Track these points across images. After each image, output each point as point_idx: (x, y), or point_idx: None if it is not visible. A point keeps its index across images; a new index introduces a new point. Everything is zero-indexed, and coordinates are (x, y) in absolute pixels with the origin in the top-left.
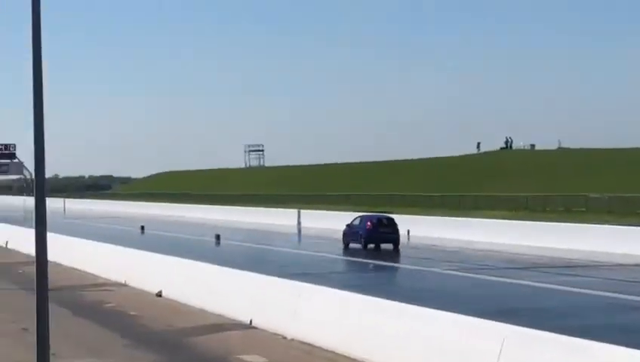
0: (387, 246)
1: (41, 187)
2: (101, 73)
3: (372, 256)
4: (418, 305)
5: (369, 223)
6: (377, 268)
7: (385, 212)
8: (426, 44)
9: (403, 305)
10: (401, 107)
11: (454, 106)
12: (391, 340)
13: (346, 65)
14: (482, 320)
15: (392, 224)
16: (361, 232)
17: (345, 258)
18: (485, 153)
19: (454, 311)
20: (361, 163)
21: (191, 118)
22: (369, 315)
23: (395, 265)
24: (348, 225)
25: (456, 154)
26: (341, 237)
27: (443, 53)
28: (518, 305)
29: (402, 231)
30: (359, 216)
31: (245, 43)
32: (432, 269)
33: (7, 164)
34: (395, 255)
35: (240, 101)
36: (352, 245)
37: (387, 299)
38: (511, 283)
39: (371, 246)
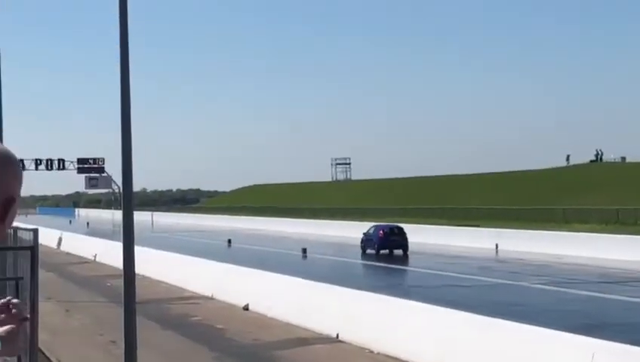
0: (397, 252)
1: (129, 201)
2: (189, 88)
3: (459, 270)
4: (507, 319)
5: (381, 232)
6: (465, 281)
7: (472, 225)
8: (515, 56)
9: (494, 319)
10: (489, 120)
11: (544, 119)
12: (480, 355)
13: (433, 79)
14: (572, 334)
15: (402, 233)
16: (374, 240)
17: (434, 272)
18: (575, 166)
19: (543, 326)
20: (448, 176)
21: (278, 132)
22: (457, 330)
23: (483, 278)
24: (365, 234)
25: (546, 167)
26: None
27: (533, 66)
28: (609, 320)
29: (487, 245)
30: (374, 226)
31: (333, 56)
32: (520, 283)
33: (96, 178)
34: (483, 270)
35: (327, 114)
36: (368, 251)
37: (475, 313)
38: (601, 297)
39: (384, 251)
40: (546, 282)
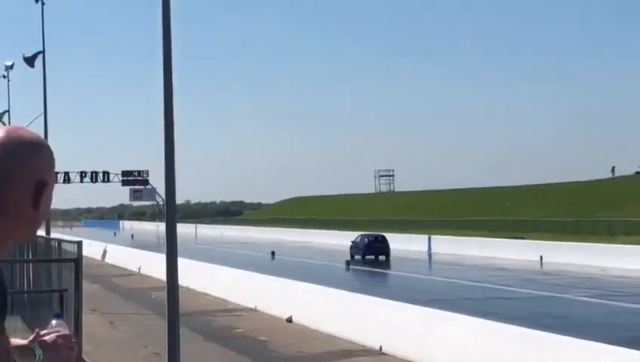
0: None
1: (172, 214)
2: (233, 99)
3: (504, 282)
4: (552, 332)
5: (366, 240)
6: (509, 294)
7: (517, 237)
8: (558, 66)
9: (538, 332)
10: (533, 130)
11: (589, 130)
12: None
13: (475, 91)
14: (617, 347)
15: (384, 240)
16: (360, 246)
17: (477, 284)
18: (620, 177)
19: (588, 339)
20: (492, 188)
21: (321, 144)
22: (501, 342)
23: (528, 291)
24: (353, 242)
25: (591, 178)
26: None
27: (578, 77)
28: None
29: (532, 257)
30: (360, 235)
31: (376, 69)
32: (565, 296)
33: (140, 190)
34: (528, 282)
35: (371, 126)
36: (355, 256)
37: (519, 325)
38: None
39: (370, 257)
40: (591, 294)
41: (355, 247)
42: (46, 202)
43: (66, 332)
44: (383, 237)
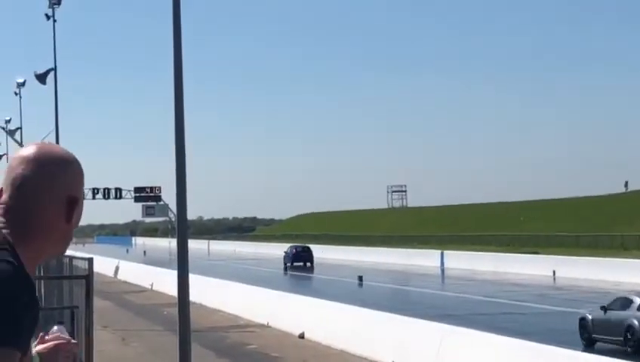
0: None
1: (184, 231)
2: (245, 118)
3: (517, 298)
4: (564, 347)
5: (294, 250)
6: (522, 309)
7: (531, 253)
8: (572, 77)
9: (550, 347)
10: (546, 146)
11: (601, 145)
12: None
13: (487, 105)
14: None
15: (308, 250)
16: (290, 256)
17: (490, 299)
18: (634, 192)
19: (601, 354)
20: (505, 203)
21: (334, 160)
22: (516, 358)
23: (541, 306)
24: (285, 252)
25: (604, 193)
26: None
27: (589, 90)
28: None
29: (545, 272)
30: (290, 246)
31: (388, 85)
32: (578, 310)
33: (153, 207)
34: (541, 298)
35: (383, 142)
36: (287, 264)
37: (531, 340)
38: None
39: (298, 264)
40: None
41: (286, 256)
42: (77, 216)
43: (66, 337)
44: (307, 248)
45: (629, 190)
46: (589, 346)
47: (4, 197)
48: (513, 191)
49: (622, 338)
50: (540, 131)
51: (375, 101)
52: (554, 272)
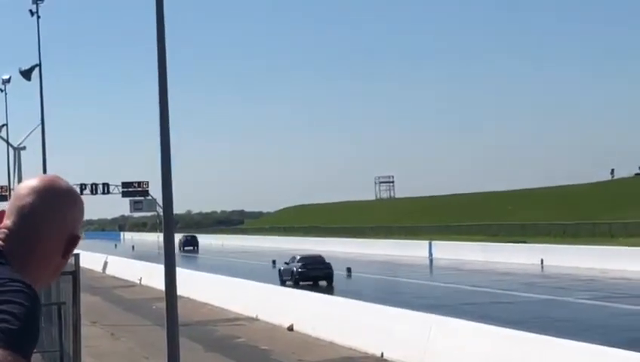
0: None
1: (170, 226)
2: (232, 109)
3: (504, 287)
4: (552, 335)
5: (185, 238)
6: (510, 298)
7: (519, 242)
8: (557, 67)
9: (538, 336)
10: (533, 135)
11: (587, 133)
12: None
13: (474, 95)
14: (618, 349)
15: (194, 238)
16: (183, 242)
17: (479, 289)
18: (620, 180)
19: (589, 341)
20: (492, 192)
21: (321, 152)
22: (502, 347)
23: (528, 294)
24: (179, 240)
25: (590, 181)
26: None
27: (576, 77)
28: None
29: (533, 261)
30: (183, 235)
31: (376, 75)
32: (566, 299)
33: (141, 201)
34: (529, 286)
35: (370, 132)
36: (181, 249)
37: (519, 329)
38: None
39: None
40: (592, 297)
41: (179, 243)
42: (72, 252)
43: None
44: (194, 236)
45: (615, 178)
46: (282, 284)
47: (8, 222)
48: (500, 180)
49: (289, 278)
50: (526, 120)
51: (362, 92)
52: (542, 261)
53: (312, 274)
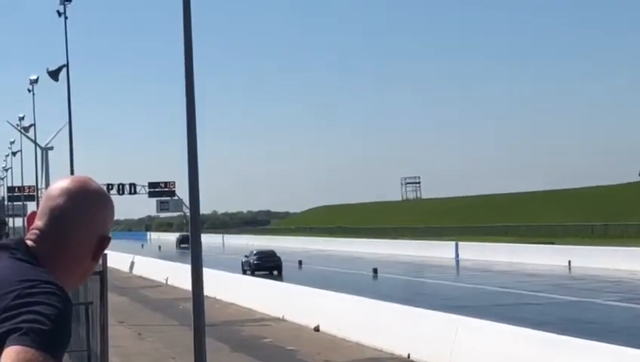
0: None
1: (196, 226)
2: (260, 110)
3: (532, 288)
4: (580, 337)
5: (181, 237)
6: (538, 299)
7: (547, 243)
8: (583, 66)
9: (565, 337)
10: (560, 136)
11: (615, 135)
12: None
13: (501, 96)
14: None
15: (187, 237)
16: (180, 239)
17: (505, 290)
18: None
19: (617, 343)
20: (520, 193)
21: (348, 153)
22: (527, 348)
23: (556, 296)
24: (177, 238)
25: (618, 182)
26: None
27: (603, 76)
28: None
29: (561, 262)
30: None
31: (402, 75)
32: (594, 300)
33: (167, 202)
34: (556, 288)
35: (397, 133)
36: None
37: (547, 331)
38: None
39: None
40: (620, 299)
41: (176, 241)
42: (102, 253)
43: None
44: (187, 236)
45: None
46: (244, 273)
47: (40, 223)
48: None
49: (248, 268)
50: (553, 121)
51: (389, 93)
52: (569, 262)
53: (266, 266)
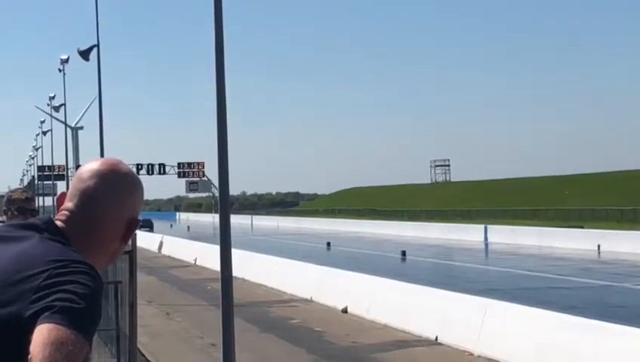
0: None
1: (226, 205)
2: (288, 92)
3: (561, 272)
4: (609, 321)
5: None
6: (566, 283)
7: (576, 227)
8: (608, 48)
9: (595, 321)
10: (591, 119)
11: None
12: (581, 358)
13: (530, 78)
14: None
15: (150, 220)
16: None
17: (534, 274)
18: None
19: None
20: (549, 176)
21: (377, 135)
22: (557, 332)
23: (585, 280)
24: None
25: None
26: None
27: (631, 62)
28: None
29: (590, 246)
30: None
31: (430, 60)
32: (623, 284)
33: (196, 182)
34: (585, 272)
35: (426, 116)
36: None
37: (576, 315)
38: None
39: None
40: None
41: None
42: (131, 235)
43: None
44: (150, 219)
45: None
46: None
47: (70, 204)
48: (557, 164)
49: None
50: (583, 105)
51: (418, 76)
52: (599, 246)
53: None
